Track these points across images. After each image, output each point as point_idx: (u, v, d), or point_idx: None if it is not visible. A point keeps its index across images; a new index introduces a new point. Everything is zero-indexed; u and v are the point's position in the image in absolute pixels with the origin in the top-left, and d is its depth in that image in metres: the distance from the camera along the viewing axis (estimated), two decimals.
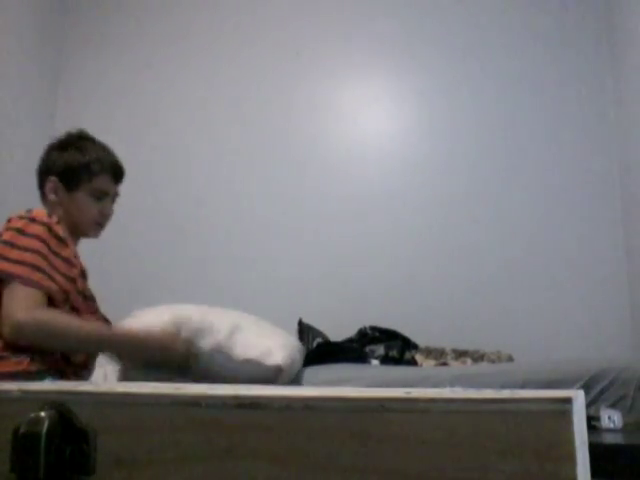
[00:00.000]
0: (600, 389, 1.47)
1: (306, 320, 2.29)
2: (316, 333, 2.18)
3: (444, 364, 2.10)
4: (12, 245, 1.46)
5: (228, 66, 3.05)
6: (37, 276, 1.45)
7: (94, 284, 1.66)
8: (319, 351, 2.01)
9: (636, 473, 1.13)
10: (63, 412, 0.54)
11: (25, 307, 1.41)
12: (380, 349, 2.11)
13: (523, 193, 2.73)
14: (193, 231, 2.82)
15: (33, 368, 1.38)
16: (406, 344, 2.20)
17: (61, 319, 1.48)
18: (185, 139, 2.99)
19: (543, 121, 2.79)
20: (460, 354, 2.21)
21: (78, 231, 1.66)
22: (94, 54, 3.14)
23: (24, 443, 0.53)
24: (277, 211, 2.86)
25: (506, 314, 2.61)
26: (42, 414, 0.54)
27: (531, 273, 2.66)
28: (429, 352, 2.21)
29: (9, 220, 1.53)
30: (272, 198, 2.88)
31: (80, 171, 1.68)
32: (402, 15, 2.97)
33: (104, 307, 1.69)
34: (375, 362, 2.05)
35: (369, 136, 2.91)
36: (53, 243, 1.51)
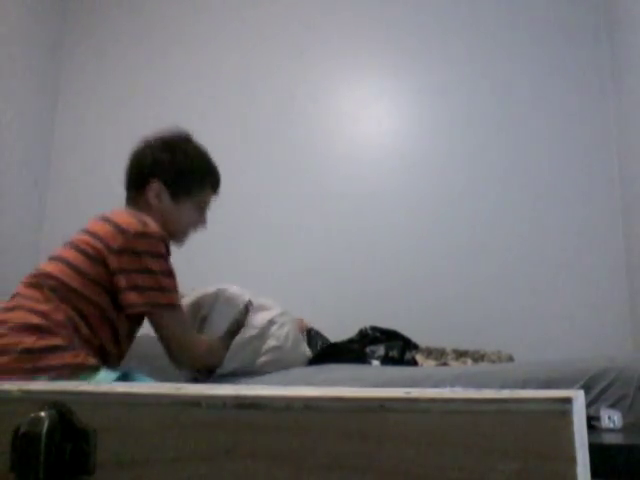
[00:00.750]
0: (600, 389, 1.47)
1: (306, 320, 2.29)
2: (324, 340, 2.18)
3: (444, 364, 2.10)
4: (150, 272, 1.45)
5: (229, 66, 3.05)
6: (178, 298, 1.52)
7: None
8: (319, 352, 2.01)
9: (636, 473, 1.13)
10: (63, 412, 0.54)
11: (196, 339, 1.56)
12: (380, 349, 2.11)
13: (523, 192, 2.73)
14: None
15: (89, 362, 1.38)
16: (406, 344, 2.20)
17: (212, 343, 1.63)
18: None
19: (542, 120, 2.79)
20: (460, 354, 2.21)
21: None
22: (94, 53, 3.15)
23: (24, 443, 0.53)
24: (276, 210, 2.86)
25: (506, 314, 2.60)
26: (42, 414, 0.54)
27: (531, 273, 2.66)
28: (429, 352, 2.21)
29: (123, 230, 1.45)
30: (271, 197, 2.88)
31: (192, 181, 1.63)
32: (401, 15, 2.97)
33: None
34: (375, 362, 2.05)
35: (369, 136, 2.91)
36: (169, 258, 1.53)
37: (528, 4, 2.90)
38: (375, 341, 2.18)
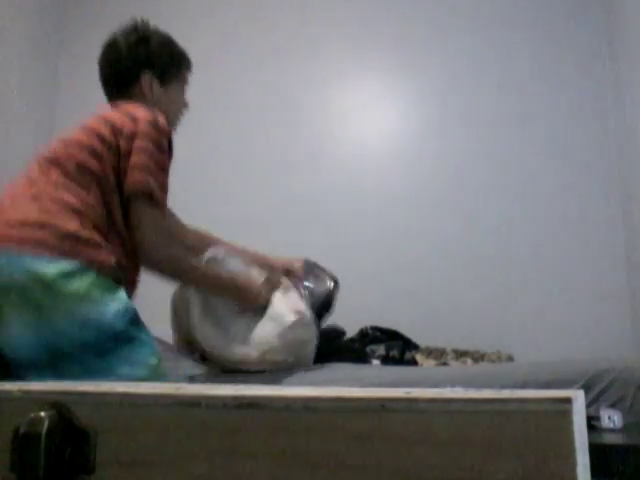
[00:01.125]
0: (600, 389, 1.47)
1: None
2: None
3: (444, 364, 2.10)
4: (150, 157, 1.42)
5: (230, 68, 3.05)
6: (165, 197, 1.46)
7: None
8: (319, 351, 2.01)
9: (636, 473, 1.13)
10: (63, 412, 0.54)
11: (165, 239, 1.44)
12: (381, 349, 2.11)
13: (523, 192, 2.73)
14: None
15: (117, 264, 1.36)
16: (407, 344, 2.20)
17: (187, 260, 1.54)
18: (187, 139, 2.98)
19: (542, 121, 2.78)
20: (460, 354, 2.21)
21: None
22: (94, 51, 3.14)
23: (24, 443, 0.53)
24: (277, 210, 2.86)
25: (506, 314, 2.60)
26: (42, 414, 0.54)
27: (531, 273, 2.66)
28: (429, 352, 2.21)
29: (135, 118, 1.44)
30: (272, 198, 2.88)
31: (173, 64, 1.65)
32: (402, 15, 2.97)
33: None
34: (376, 362, 2.05)
35: (369, 136, 2.91)
36: (170, 158, 1.50)
37: (529, 4, 2.90)
38: (375, 341, 2.18)
